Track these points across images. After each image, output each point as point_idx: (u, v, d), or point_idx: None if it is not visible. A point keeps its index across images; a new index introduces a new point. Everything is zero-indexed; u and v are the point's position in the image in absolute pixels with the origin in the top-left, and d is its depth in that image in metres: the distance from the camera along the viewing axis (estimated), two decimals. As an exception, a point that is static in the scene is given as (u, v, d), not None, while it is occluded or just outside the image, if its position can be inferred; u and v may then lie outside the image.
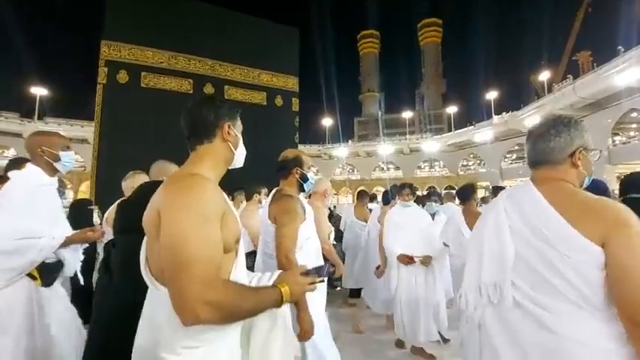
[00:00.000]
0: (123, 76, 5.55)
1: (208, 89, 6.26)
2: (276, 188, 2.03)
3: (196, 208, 0.87)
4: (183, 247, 0.83)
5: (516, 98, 31.92)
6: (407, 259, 3.07)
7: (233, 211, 1.06)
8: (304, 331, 1.62)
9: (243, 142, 1.14)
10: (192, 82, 6.18)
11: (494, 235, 1.15)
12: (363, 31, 77.20)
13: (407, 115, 47.34)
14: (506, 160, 34.31)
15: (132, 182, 2.56)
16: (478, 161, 37.09)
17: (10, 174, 1.77)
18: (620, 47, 20.89)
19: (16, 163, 2.03)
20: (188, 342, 0.89)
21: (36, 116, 28.88)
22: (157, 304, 0.93)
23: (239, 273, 1.04)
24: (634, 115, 22.67)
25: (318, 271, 1.12)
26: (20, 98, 32.04)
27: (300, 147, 8.57)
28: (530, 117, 26.91)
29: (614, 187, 6.05)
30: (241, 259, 1.08)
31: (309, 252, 1.92)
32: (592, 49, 37.38)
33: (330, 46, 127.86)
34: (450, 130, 39.26)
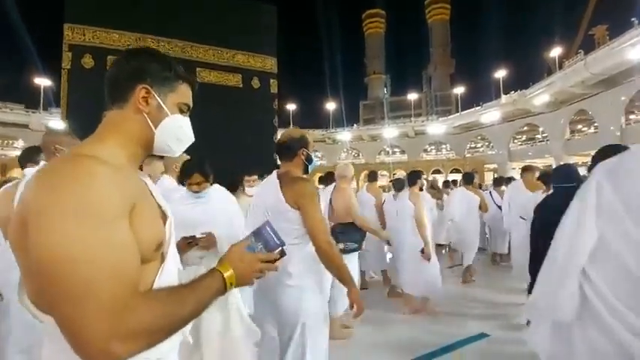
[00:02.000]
0: (88, 61, 5.36)
1: (180, 72, 6.04)
2: (279, 171, 1.84)
3: (81, 204, 0.59)
4: (70, 268, 0.56)
5: (528, 78, 30.70)
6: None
7: (157, 205, 0.80)
8: (359, 307, 1.62)
9: (202, 125, 0.87)
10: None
11: (574, 221, 0.89)
12: (368, 10, 75.05)
13: (413, 97, 46.24)
14: (515, 141, 33.39)
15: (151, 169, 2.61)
16: (486, 143, 36.21)
17: (25, 171, 1.95)
18: (634, 19, 19.66)
19: (31, 153, 2.13)
20: None
21: (41, 107, 29.20)
22: (50, 339, 0.68)
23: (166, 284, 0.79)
24: (649, 91, 21.59)
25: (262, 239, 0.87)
26: (25, 89, 32.44)
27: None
28: (540, 96, 25.93)
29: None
30: (170, 267, 0.81)
31: None
32: (609, 23, 35.42)
33: (334, 28, 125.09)
34: (457, 112, 38.25)
